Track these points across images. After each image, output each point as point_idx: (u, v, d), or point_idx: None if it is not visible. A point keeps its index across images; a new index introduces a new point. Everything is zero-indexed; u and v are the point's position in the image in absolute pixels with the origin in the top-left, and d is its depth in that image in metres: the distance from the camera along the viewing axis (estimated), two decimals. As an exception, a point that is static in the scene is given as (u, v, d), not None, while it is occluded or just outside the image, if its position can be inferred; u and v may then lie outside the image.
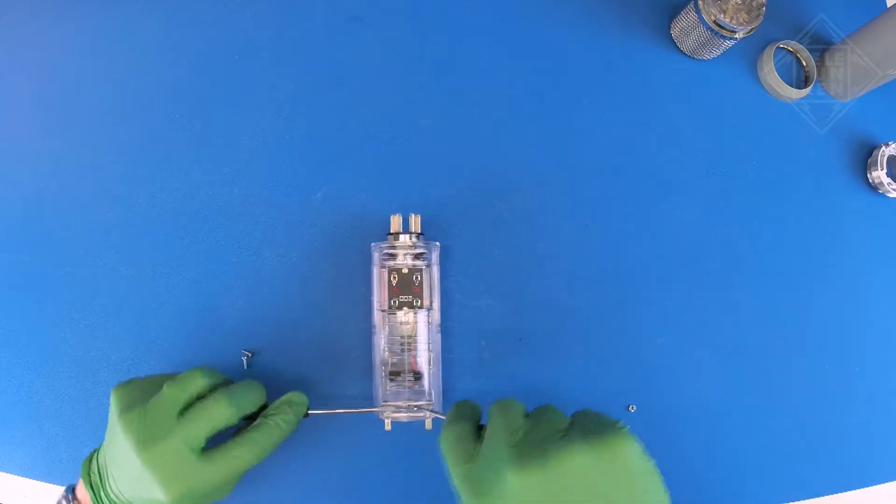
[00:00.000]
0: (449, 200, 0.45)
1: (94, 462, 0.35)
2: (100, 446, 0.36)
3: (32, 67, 0.46)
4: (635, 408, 0.45)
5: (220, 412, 0.34)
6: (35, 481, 0.42)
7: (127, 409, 0.34)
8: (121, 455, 0.33)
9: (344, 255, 0.44)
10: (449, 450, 0.33)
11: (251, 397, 0.36)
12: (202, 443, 0.33)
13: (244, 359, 0.42)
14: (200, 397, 0.35)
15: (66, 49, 0.46)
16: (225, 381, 0.37)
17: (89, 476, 0.35)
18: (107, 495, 0.34)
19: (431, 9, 0.48)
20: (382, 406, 0.39)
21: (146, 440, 0.32)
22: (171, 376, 0.36)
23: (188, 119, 0.45)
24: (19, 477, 0.42)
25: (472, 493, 0.31)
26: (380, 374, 0.40)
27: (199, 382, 0.35)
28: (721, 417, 0.46)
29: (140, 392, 0.35)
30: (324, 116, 0.45)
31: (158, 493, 0.32)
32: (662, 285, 0.46)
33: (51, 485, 0.42)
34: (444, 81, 0.47)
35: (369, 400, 0.42)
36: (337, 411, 0.39)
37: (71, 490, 0.36)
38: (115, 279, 0.43)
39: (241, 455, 0.34)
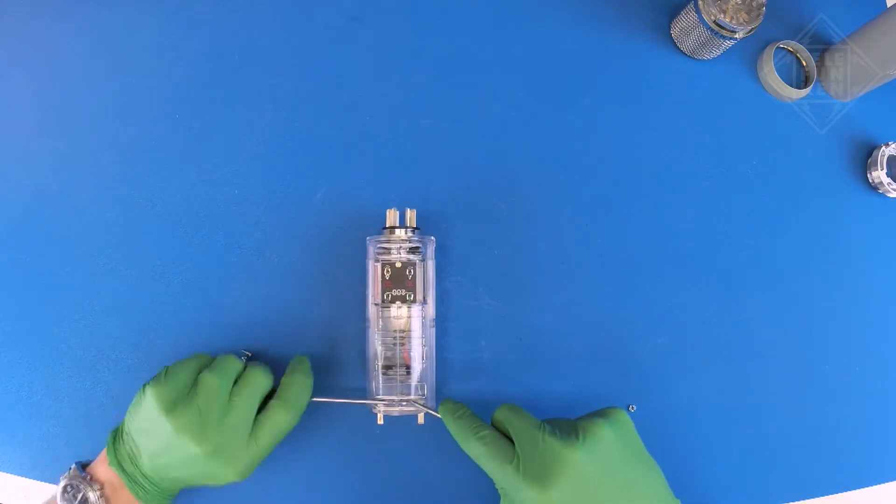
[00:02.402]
0: (449, 200, 0.45)
1: (122, 447, 0.36)
2: (118, 435, 0.37)
3: (32, 67, 0.46)
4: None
5: (263, 389, 0.38)
6: (35, 481, 0.42)
7: (174, 407, 0.34)
8: (177, 452, 0.34)
9: (344, 255, 0.44)
10: (489, 456, 0.34)
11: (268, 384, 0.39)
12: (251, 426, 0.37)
13: (244, 359, 0.42)
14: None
15: (66, 49, 0.46)
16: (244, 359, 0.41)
17: (121, 465, 0.36)
18: (146, 479, 0.36)
19: (431, 9, 0.48)
20: (375, 399, 0.39)
21: (205, 437, 0.34)
22: (206, 363, 0.38)
23: (188, 119, 0.45)
24: (19, 477, 0.42)
25: (537, 483, 0.32)
26: (373, 367, 0.40)
27: (236, 366, 0.38)
28: (721, 417, 0.46)
29: (181, 386, 0.36)
30: (324, 116, 0.45)
31: (229, 473, 0.35)
32: (662, 285, 0.46)
33: (51, 485, 0.42)
34: (444, 81, 0.47)
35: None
36: (327, 400, 0.40)
37: (81, 467, 0.37)
38: (115, 279, 0.43)
39: (282, 418, 0.37)
